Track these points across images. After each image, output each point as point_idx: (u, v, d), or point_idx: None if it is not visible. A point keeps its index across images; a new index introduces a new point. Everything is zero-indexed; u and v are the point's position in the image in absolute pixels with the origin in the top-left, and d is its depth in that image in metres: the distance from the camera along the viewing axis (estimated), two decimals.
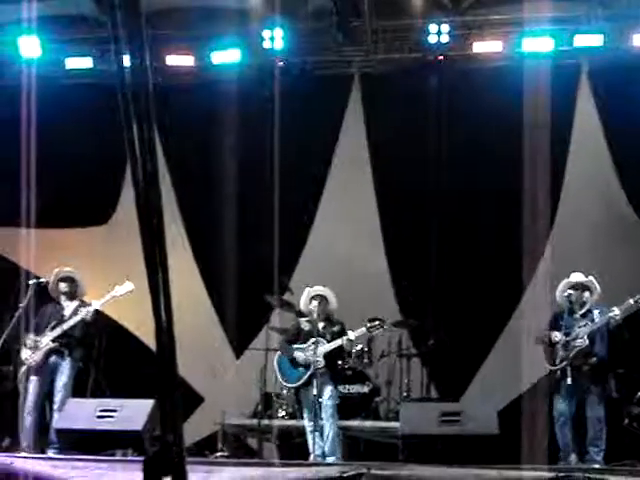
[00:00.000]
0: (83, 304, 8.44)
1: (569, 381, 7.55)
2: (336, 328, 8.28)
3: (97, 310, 8.36)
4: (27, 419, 8.09)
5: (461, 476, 6.41)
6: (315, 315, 8.23)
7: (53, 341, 8.24)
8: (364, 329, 8.28)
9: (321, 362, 8.06)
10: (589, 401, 7.69)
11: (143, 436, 7.13)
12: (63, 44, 11.01)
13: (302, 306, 8.45)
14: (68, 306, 8.51)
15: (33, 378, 8.19)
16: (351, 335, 8.18)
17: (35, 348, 8.20)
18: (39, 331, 8.31)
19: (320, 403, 7.98)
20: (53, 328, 8.29)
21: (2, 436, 8.56)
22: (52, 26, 10.69)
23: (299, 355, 8.19)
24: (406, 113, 10.84)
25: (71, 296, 8.55)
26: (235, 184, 10.82)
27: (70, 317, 8.36)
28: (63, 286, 8.55)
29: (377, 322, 8.35)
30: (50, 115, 9.77)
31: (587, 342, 7.68)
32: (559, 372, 7.68)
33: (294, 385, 8.26)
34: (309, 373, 8.07)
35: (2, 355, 8.42)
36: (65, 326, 8.27)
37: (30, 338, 8.26)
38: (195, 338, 9.95)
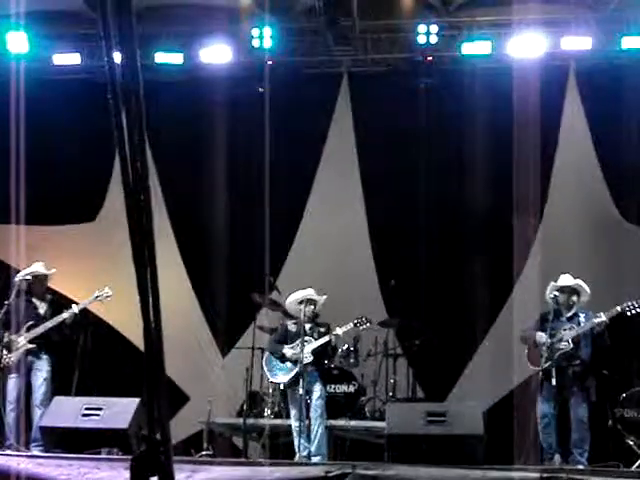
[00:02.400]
0: (60, 305, 8.36)
1: (553, 382, 7.53)
2: (323, 329, 8.34)
3: (76, 313, 8.31)
4: (10, 416, 8.03)
5: (446, 476, 6.41)
6: (303, 317, 8.27)
7: (30, 342, 8.17)
8: (351, 324, 8.37)
9: (309, 358, 8.09)
10: (573, 403, 7.68)
11: (129, 434, 7.10)
12: (51, 40, 10.97)
13: (290, 309, 8.46)
14: (41, 304, 8.44)
15: (12, 376, 8.10)
16: (338, 331, 8.28)
17: (11, 348, 8.12)
18: (13, 328, 8.18)
19: (308, 403, 7.99)
20: (29, 328, 8.20)
21: None
22: (40, 22, 10.63)
23: (288, 351, 8.24)
24: (394, 113, 10.85)
25: (42, 295, 8.49)
26: (224, 182, 10.81)
27: (45, 316, 8.29)
28: (38, 284, 8.42)
29: (364, 317, 8.44)
30: (37, 111, 9.72)
31: (572, 345, 7.66)
32: (543, 373, 7.68)
33: (282, 380, 8.27)
34: (297, 369, 8.09)
35: None
36: (44, 327, 8.19)
37: (6, 337, 8.13)
38: (181, 336, 9.93)
